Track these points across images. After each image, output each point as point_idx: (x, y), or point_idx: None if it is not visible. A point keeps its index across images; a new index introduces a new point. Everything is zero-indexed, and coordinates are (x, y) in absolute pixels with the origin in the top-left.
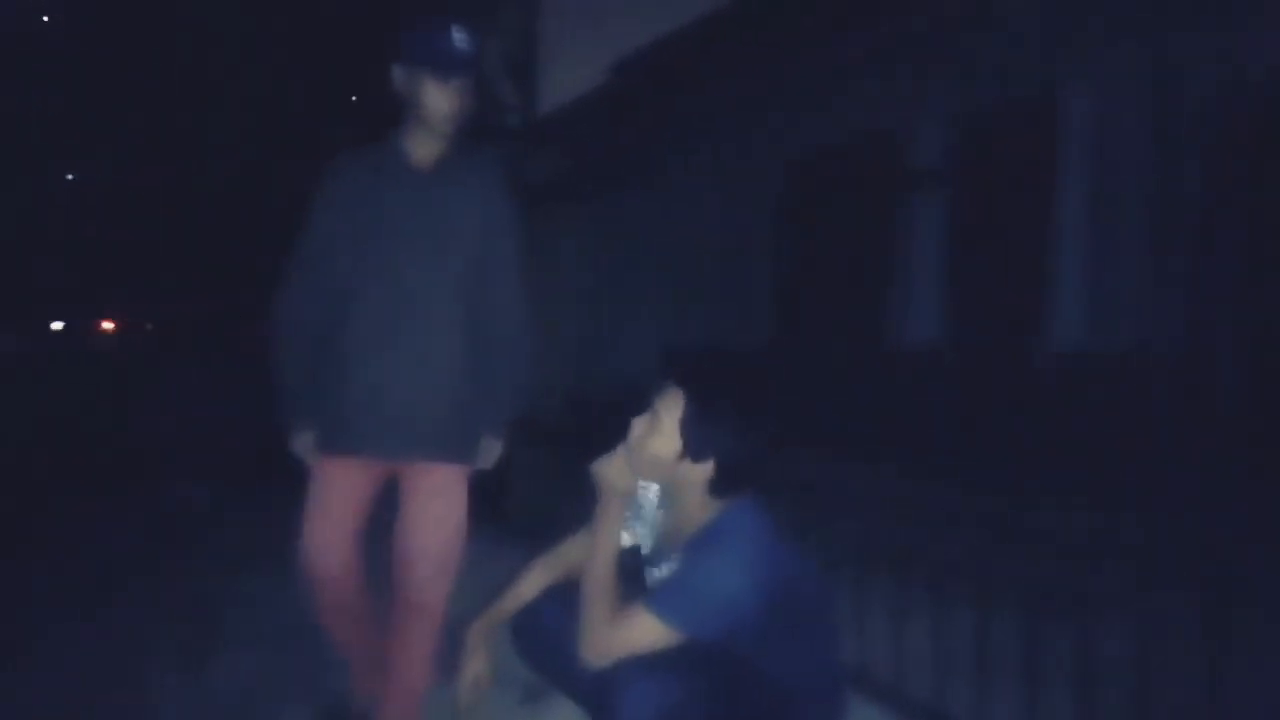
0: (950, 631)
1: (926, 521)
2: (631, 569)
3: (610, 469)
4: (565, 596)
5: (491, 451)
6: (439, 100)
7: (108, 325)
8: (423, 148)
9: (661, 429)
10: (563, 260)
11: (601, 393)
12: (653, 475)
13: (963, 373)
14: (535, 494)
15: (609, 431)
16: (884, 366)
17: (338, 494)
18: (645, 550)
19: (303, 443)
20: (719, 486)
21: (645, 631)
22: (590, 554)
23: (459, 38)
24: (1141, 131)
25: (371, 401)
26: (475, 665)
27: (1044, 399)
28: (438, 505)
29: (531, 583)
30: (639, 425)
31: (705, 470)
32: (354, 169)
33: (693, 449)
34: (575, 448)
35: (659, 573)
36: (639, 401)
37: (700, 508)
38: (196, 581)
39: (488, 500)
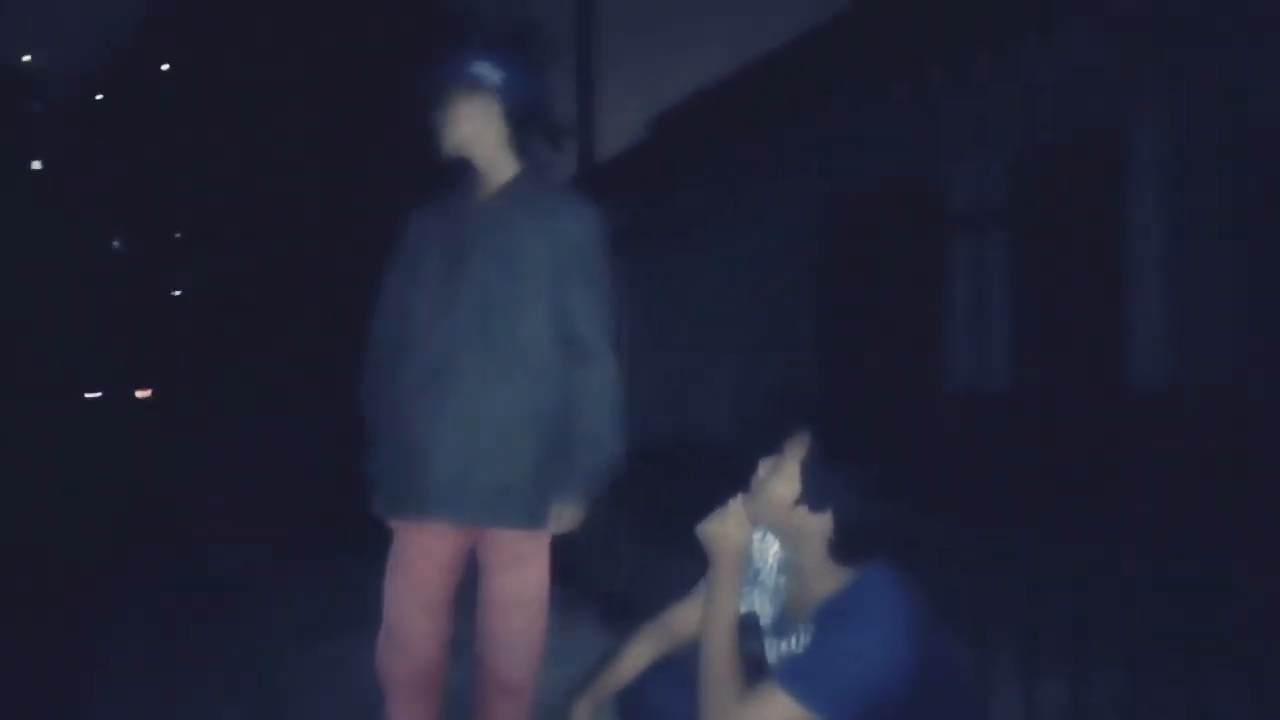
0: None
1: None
2: (749, 641)
3: (718, 527)
4: (675, 671)
5: (565, 517)
6: (444, 123)
7: (143, 393)
8: (482, 185)
9: (783, 470)
10: (621, 301)
11: (668, 438)
12: (769, 519)
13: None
14: (601, 549)
15: (687, 476)
16: (949, 412)
17: (410, 561)
18: (765, 621)
19: (376, 504)
20: (840, 548)
21: (776, 711)
22: (706, 624)
23: (459, 57)
24: (1212, 164)
25: (426, 461)
26: None
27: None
28: (514, 578)
29: (637, 656)
30: (764, 467)
31: (824, 525)
32: (424, 214)
33: (811, 495)
34: (644, 499)
35: (785, 646)
36: (721, 451)
37: (826, 573)
38: (251, 651)
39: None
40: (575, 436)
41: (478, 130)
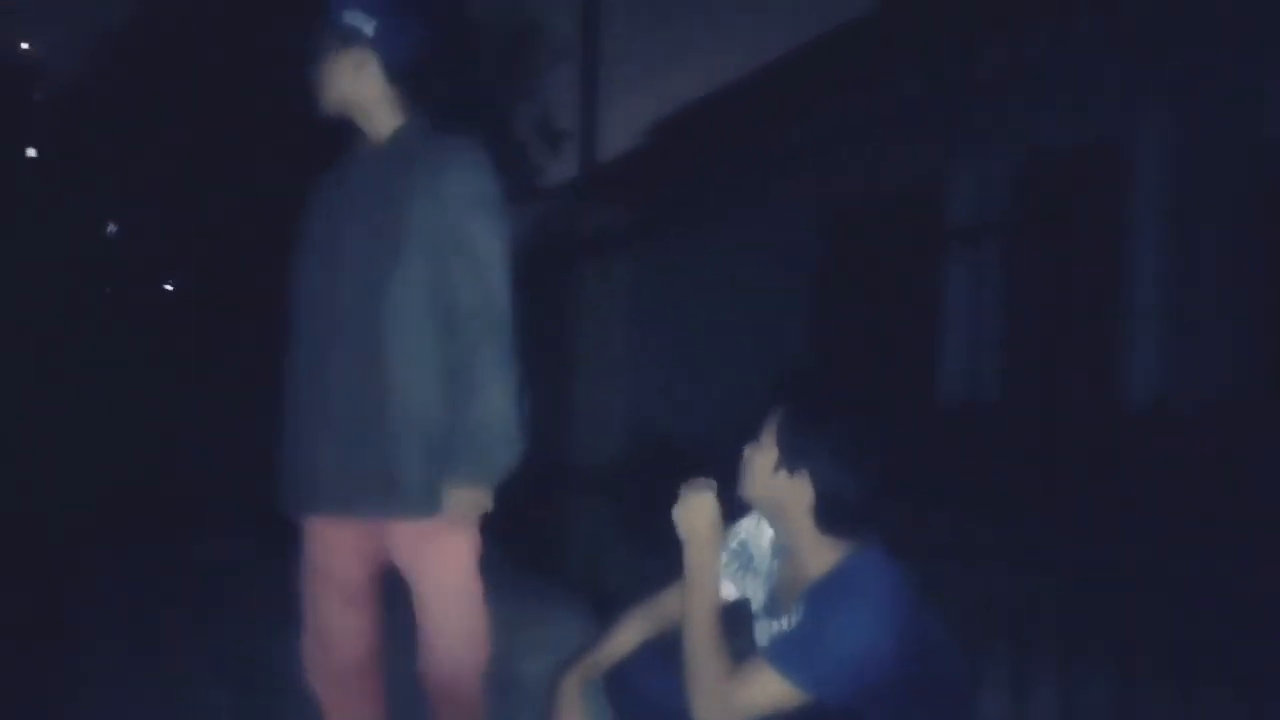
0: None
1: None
2: (740, 624)
3: (689, 513)
4: (665, 652)
5: (462, 504)
6: (318, 87)
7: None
8: (368, 140)
9: (763, 443)
10: (619, 305)
11: (661, 438)
12: (754, 493)
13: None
14: (593, 545)
15: (675, 477)
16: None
17: (320, 558)
18: (757, 605)
19: (280, 500)
20: (824, 519)
21: (766, 689)
22: (687, 606)
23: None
24: (1214, 180)
25: (312, 454)
26: None
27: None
28: (427, 573)
29: (627, 637)
30: (749, 449)
31: (805, 492)
32: (323, 182)
33: (786, 457)
34: (635, 496)
35: (775, 626)
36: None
37: (817, 552)
38: (236, 636)
39: (540, 553)
40: (465, 416)
41: (354, 86)
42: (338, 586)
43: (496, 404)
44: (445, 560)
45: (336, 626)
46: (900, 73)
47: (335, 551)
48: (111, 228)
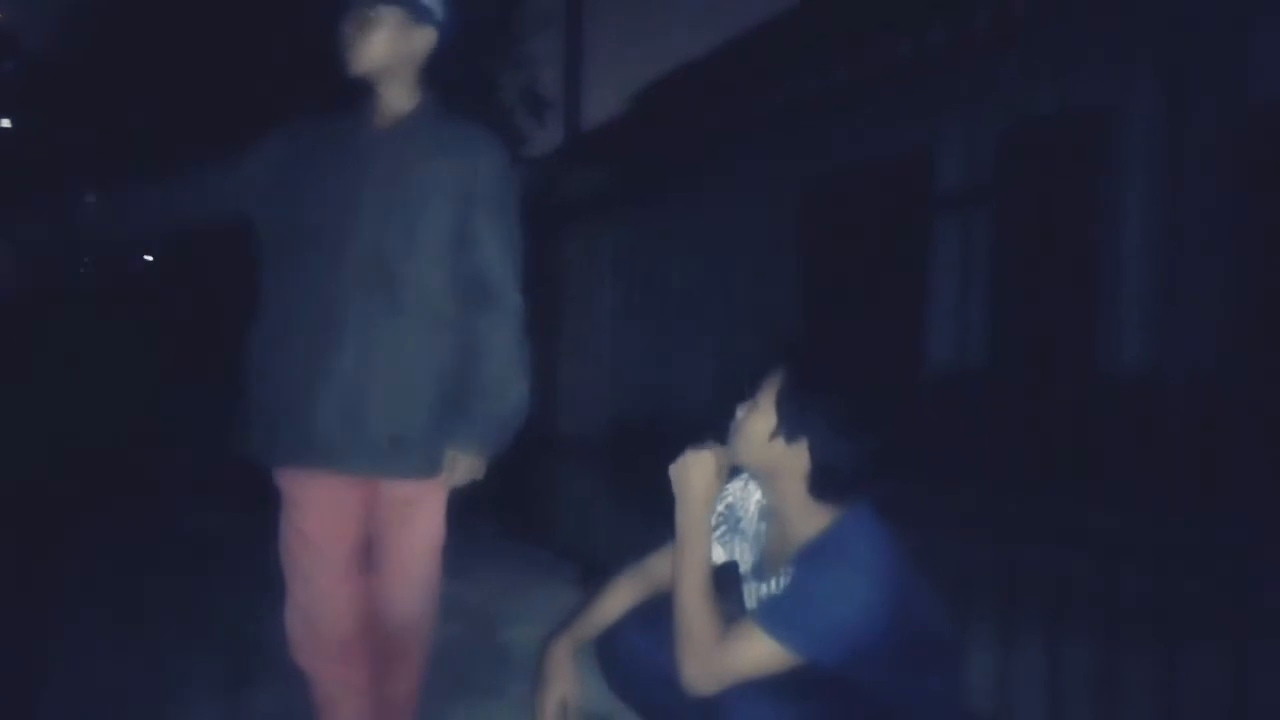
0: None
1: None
2: (728, 587)
3: (686, 471)
4: (654, 617)
5: (460, 467)
6: (352, 44)
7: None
8: (377, 114)
9: (759, 406)
10: (604, 273)
11: (647, 406)
12: (748, 458)
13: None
14: (581, 513)
15: (667, 442)
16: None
17: (307, 518)
18: (745, 567)
19: (254, 449)
20: (819, 486)
21: (755, 652)
22: (677, 566)
23: None
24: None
25: (315, 409)
26: (559, 688)
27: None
28: (406, 531)
29: (616, 601)
30: (741, 409)
31: (801, 460)
32: (305, 134)
33: (786, 425)
34: (623, 463)
35: (764, 589)
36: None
37: (807, 516)
38: (220, 606)
39: (529, 521)
40: (476, 385)
41: (398, 52)
42: (326, 549)
43: (510, 378)
44: (426, 521)
45: (326, 599)
46: (884, 38)
47: (327, 508)
48: (89, 198)
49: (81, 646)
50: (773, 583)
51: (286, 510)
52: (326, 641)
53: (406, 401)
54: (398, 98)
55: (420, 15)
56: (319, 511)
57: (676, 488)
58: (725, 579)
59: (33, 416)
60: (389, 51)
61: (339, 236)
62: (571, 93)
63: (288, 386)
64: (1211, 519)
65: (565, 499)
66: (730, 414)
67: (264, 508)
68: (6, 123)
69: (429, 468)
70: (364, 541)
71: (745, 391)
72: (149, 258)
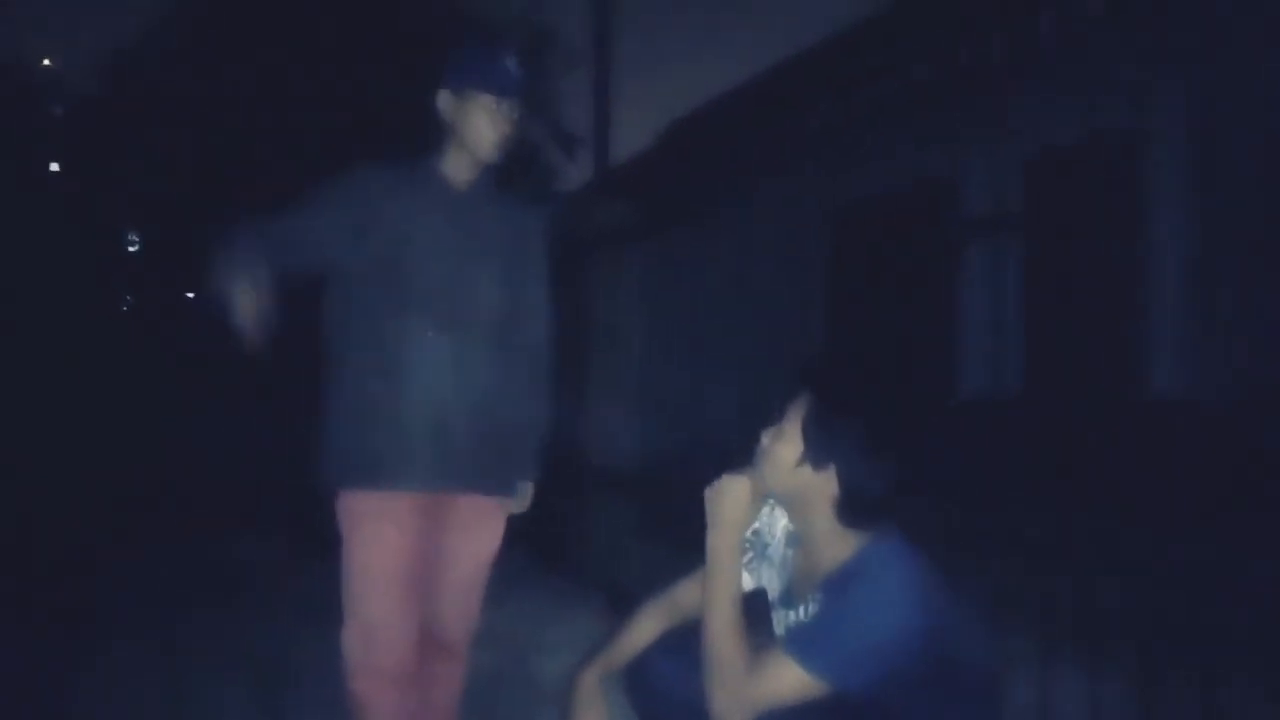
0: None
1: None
2: (757, 615)
3: (720, 496)
4: (683, 645)
5: (527, 494)
6: (488, 125)
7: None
8: (463, 173)
9: (786, 432)
10: (633, 305)
11: (677, 437)
12: (775, 484)
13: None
14: (610, 543)
15: (696, 471)
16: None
17: (383, 539)
18: (773, 595)
19: (345, 476)
20: (847, 512)
21: (785, 681)
22: (708, 593)
23: (512, 63)
24: (1236, 169)
25: (433, 434)
26: (589, 718)
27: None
28: (474, 536)
29: (645, 630)
30: (767, 435)
31: (829, 486)
32: (385, 184)
33: (813, 452)
34: (652, 494)
35: (792, 616)
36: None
37: (835, 542)
38: (253, 638)
39: (559, 551)
40: (530, 418)
41: (508, 134)
42: (398, 570)
43: (545, 413)
44: (494, 531)
45: (392, 619)
46: (913, 65)
47: (398, 531)
48: (133, 238)
49: (120, 677)
50: (801, 610)
51: (358, 534)
52: (387, 665)
53: (491, 425)
54: (471, 167)
55: (522, 98)
56: (397, 530)
57: (710, 512)
58: (753, 607)
59: (75, 446)
60: (510, 135)
61: (435, 282)
62: (601, 129)
63: (389, 416)
64: (1249, 543)
65: (595, 529)
66: (757, 440)
67: (308, 539)
68: (55, 166)
69: (506, 489)
70: (427, 566)
71: (772, 417)
72: (190, 294)
